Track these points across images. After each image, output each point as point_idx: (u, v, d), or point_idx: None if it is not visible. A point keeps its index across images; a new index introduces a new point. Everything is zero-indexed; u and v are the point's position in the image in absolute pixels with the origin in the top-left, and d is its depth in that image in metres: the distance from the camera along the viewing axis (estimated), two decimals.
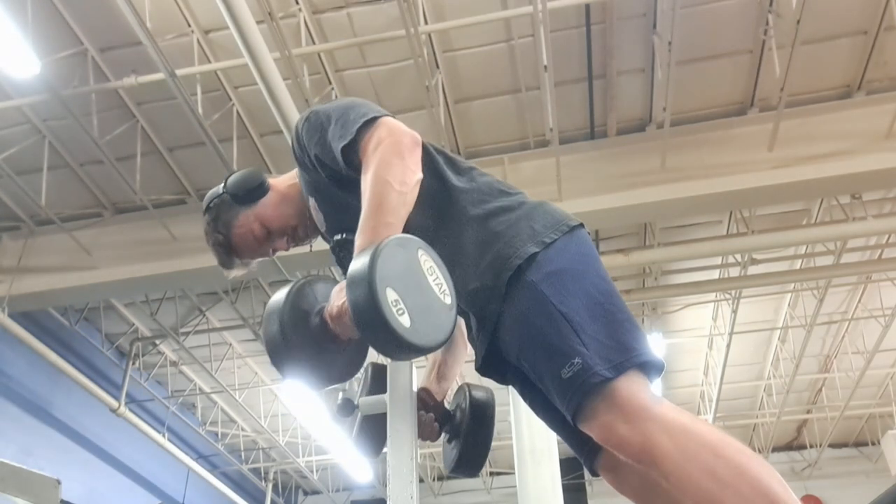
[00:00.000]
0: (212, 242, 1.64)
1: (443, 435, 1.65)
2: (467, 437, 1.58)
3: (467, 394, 1.61)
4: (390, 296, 1.07)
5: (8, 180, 5.75)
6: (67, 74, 5.06)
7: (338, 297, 1.20)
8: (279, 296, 1.23)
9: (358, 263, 1.10)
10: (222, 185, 1.64)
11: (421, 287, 1.13)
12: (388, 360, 1.43)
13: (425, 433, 1.58)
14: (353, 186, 1.38)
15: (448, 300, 1.17)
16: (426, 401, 1.61)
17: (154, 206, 5.92)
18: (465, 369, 1.80)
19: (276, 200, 1.63)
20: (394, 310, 1.06)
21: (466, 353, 1.78)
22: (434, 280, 1.16)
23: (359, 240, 1.22)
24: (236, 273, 1.71)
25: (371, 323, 1.06)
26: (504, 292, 1.29)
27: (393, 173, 1.27)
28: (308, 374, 1.23)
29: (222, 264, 1.67)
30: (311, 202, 1.59)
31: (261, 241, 1.62)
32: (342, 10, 4.97)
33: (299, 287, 1.25)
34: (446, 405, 1.68)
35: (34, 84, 4.95)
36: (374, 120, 1.36)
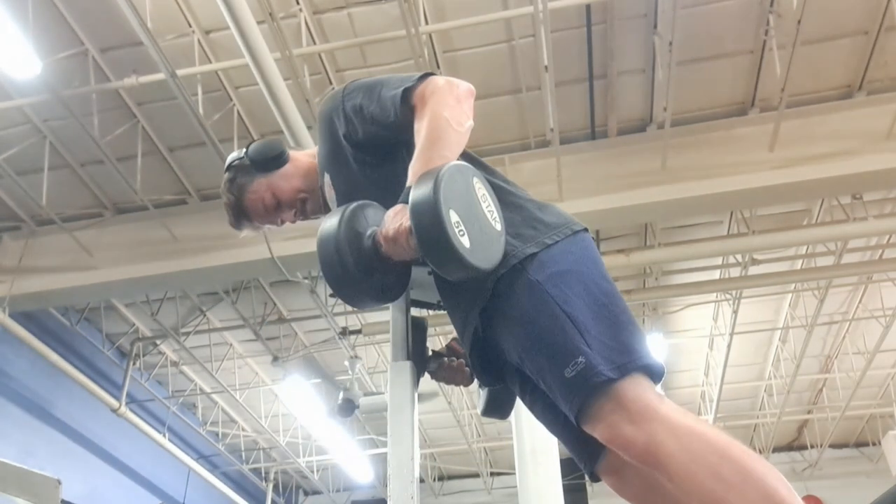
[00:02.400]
0: (224, 202, 1.70)
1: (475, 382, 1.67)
2: None
3: None
4: (453, 217, 1.12)
5: (9, 180, 5.75)
6: (68, 74, 5.06)
7: (393, 220, 1.22)
8: (332, 220, 1.27)
9: (422, 187, 1.15)
10: (245, 148, 1.69)
11: (477, 212, 1.20)
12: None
13: (457, 378, 1.61)
14: (380, 156, 1.48)
15: (498, 227, 1.24)
16: (456, 349, 1.63)
17: (155, 206, 5.92)
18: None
19: (292, 173, 1.68)
20: (456, 230, 1.12)
21: None
22: (487, 207, 1.23)
23: (414, 168, 1.27)
24: (246, 233, 1.77)
25: (436, 243, 1.11)
26: (492, 288, 1.30)
27: (451, 112, 1.33)
28: (359, 293, 1.29)
29: (232, 224, 1.73)
30: (326, 178, 1.62)
31: (270, 211, 1.67)
32: (343, 10, 4.97)
33: (352, 210, 1.29)
34: None
35: (35, 84, 4.95)
36: (427, 75, 1.43)
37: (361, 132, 1.50)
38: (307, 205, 1.70)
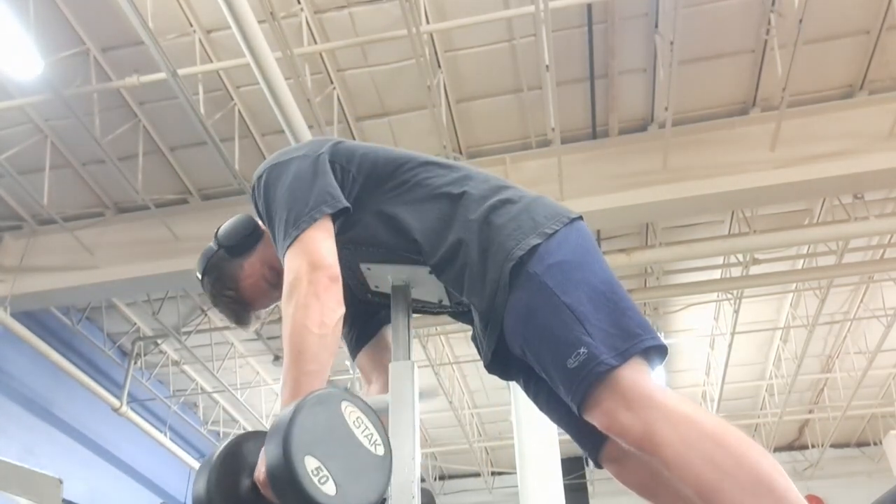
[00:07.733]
0: (224, 303, 1.57)
1: None
2: None
3: None
4: (310, 464, 0.99)
5: (10, 180, 5.75)
6: (70, 74, 5.06)
7: (260, 465, 1.10)
8: (211, 455, 1.14)
9: (274, 430, 1.03)
10: (213, 242, 1.57)
11: (346, 446, 1.06)
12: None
13: None
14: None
15: (381, 450, 1.09)
16: None
17: (156, 205, 5.93)
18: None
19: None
20: (315, 479, 0.98)
21: None
22: (363, 432, 1.08)
23: (282, 393, 1.20)
24: (253, 327, 1.66)
25: (291, 497, 0.99)
26: (508, 283, 1.30)
27: (311, 317, 1.23)
28: None
29: (239, 322, 1.60)
30: None
31: (274, 285, 1.54)
32: (344, 9, 4.97)
33: (232, 445, 1.16)
34: None
35: (36, 84, 4.97)
36: (300, 235, 1.32)
37: None
38: None
